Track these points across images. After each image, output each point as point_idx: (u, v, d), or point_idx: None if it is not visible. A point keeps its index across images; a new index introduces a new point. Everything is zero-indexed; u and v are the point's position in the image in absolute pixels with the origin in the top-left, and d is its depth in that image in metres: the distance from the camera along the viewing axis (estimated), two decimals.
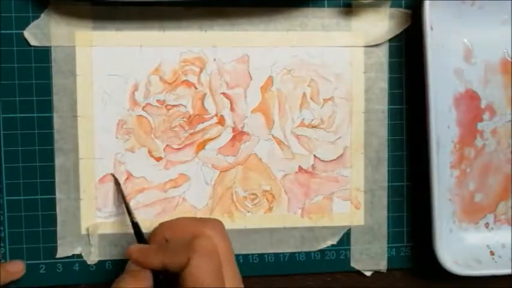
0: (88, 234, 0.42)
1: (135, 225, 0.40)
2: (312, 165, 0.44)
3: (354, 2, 0.43)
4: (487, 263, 0.44)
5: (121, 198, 0.42)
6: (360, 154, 0.45)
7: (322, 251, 0.45)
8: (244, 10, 0.43)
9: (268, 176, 0.44)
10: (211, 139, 0.43)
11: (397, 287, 0.46)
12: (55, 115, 0.42)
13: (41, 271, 0.42)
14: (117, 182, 0.42)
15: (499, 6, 0.44)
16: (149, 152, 0.43)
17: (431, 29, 0.41)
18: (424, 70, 0.41)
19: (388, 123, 0.45)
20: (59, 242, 0.42)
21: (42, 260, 0.42)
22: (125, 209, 0.41)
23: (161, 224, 0.38)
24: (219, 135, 0.43)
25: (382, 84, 0.44)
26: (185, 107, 0.43)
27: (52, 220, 0.42)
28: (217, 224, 0.37)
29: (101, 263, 0.43)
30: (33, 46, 0.41)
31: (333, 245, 0.45)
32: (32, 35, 0.41)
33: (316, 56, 0.44)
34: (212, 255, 0.35)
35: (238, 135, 0.44)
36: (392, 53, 0.44)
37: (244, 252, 0.44)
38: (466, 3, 0.43)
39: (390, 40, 0.44)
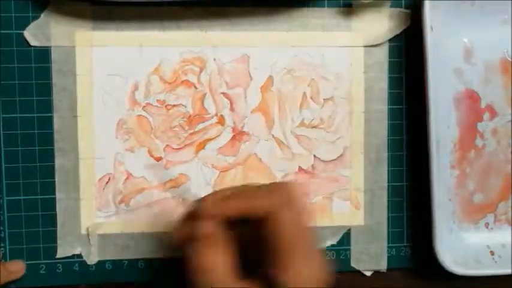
0: (88, 234, 0.42)
1: None
2: (312, 165, 0.44)
3: (354, 2, 0.43)
4: (487, 263, 0.44)
5: None
6: (360, 154, 0.45)
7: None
8: (244, 10, 0.43)
9: (268, 176, 0.44)
10: (211, 139, 0.43)
11: (397, 287, 0.46)
12: (55, 115, 0.42)
13: (41, 271, 0.42)
14: None
15: (499, 6, 0.44)
16: (149, 151, 0.43)
17: (431, 29, 0.41)
18: (424, 70, 0.41)
19: (388, 123, 0.45)
20: (59, 242, 0.42)
21: (42, 260, 0.42)
22: None
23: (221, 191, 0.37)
24: (219, 135, 0.43)
25: (382, 84, 0.44)
26: (185, 106, 0.43)
27: (52, 220, 0.42)
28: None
29: (100, 263, 0.43)
30: (33, 46, 0.41)
31: (333, 245, 0.45)
32: (32, 35, 0.41)
33: (316, 56, 0.44)
34: (298, 205, 0.33)
35: (238, 135, 0.44)
36: (392, 53, 0.44)
37: None
38: (466, 3, 0.43)
39: (390, 40, 0.44)
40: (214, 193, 0.37)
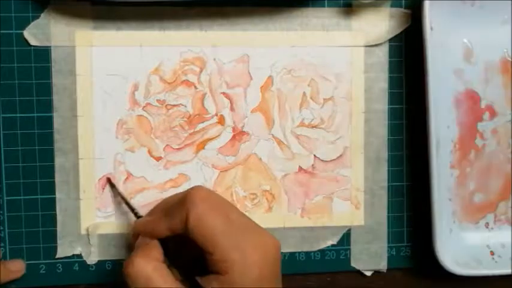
0: (88, 234, 0.42)
1: None
2: (312, 165, 0.44)
3: (354, 2, 0.43)
4: (487, 263, 0.44)
5: (120, 199, 0.42)
6: (360, 154, 0.45)
7: (322, 251, 0.45)
8: (244, 10, 0.43)
9: (268, 176, 0.44)
10: (211, 139, 0.43)
11: (397, 287, 0.46)
12: (55, 115, 0.42)
13: (41, 271, 0.42)
14: (112, 185, 0.42)
15: (499, 6, 0.44)
16: (149, 151, 0.43)
17: (431, 29, 0.41)
18: (424, 70, 0.41)
19: (388, 123, 0.45)
20: (58, 242, 0.42)
21: (42, 260, 0.42)
22: (128, 208, 0.41)
23: (154, 207, 0.39)
24: (219, 135, 0.43)
25: (382, 84, 0.44)
26: (185, 106, 0.43)
27: (52, 220, 0.42)
28: (200, 186, 0.37)
29: (100, 263, 0.43)
30: (33, 46, 0.41)
31: (333, 245, 0.45)
32: (32, 35, 0.41)
33: (316, 56, 0.44)
34: (209, 199, 0.34)
35: (238, 135, 0.44)
36: (392, 53, 0.44)
37: None
38: (466, 3, 0.43)
39: (390, 40, 0.44)
40: (148, 214, 0.39)
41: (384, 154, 0.45)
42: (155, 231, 0.35)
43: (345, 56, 0.44)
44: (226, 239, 0.33)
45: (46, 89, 0.42)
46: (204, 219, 0.33)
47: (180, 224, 0.34)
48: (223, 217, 0.34)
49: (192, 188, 0.35)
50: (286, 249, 0.44)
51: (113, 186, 0.42)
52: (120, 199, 0.42)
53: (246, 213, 0.43)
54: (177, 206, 0.35)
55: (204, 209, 0.34)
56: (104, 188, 0.42)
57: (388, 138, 0.45)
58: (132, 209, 0.40)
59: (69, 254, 0.43)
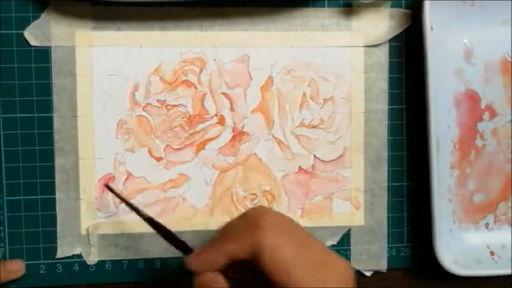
0: (88, 235, 0.42)
1: (150, 221, 0.38)
2: (312, 165, 0.44)
3: (354, 2, 0.43)
4: (487, 263, 0.44)
5: (123, 202, 0.40)
6: (360, 154, 0.45)
7: None
8: (244, 10, 0.43)
9: (268, 176, 0.44)
10: (211, 139, 0.43)
11: (397, 287, 0.46)
12: (55, 115, 0.42)
13: (41, 271, 0.42)
14: (112, 190, 0.41)
15: (499, 6, 0.44)
16: (149, 152, 0.43)
17: (431, 29, 0.41)
18: (424, 70, 0.41)
19: (388, 123, 0.45)
20: (58, 242, 0.42)
21: (42, 260, 0.42)
22: (133, 210, 0.39)
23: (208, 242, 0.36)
24: (219, 135, 0.43)
25: (382, 84, 0.44)
26: (185, 107, 0.43)
27: (52, 220, 0.42)
28: (265, 208, 0.34)
29: (100, 263, 0.43)
30: (33, 46, 0.41)
31: (333, 245, 0.45)
32: (32, 35, 0.41)
33: (316, 56, 0.44)
34: (280, 224, 0.31)
35: (238, 135, 0.44)
36: (392, 53, 0.44)
37: None
38: (466, 3, 0.43)
39: (390, 40, 0.44)
40: (201, 248, 0.35)
41: (384, 154, 0.45)
42: (212, 260, 0.32)
43: (345, 56, 0.44)
44: (304, 271, 0.30)
45: (46, 89, 0.42)
46: (279, 249, 0.30)
47: (248, 251, 0.30)
48: (299, 246, 0.31)
49: (256, 211, 0.32)
50: None
51: (112, 191, 0.40)
52: (124, 203, 0.40)
53: None
54: (242, 230, 0.31)
55: (279, 238, 0.30)
56: (103, 190, 0.42)
57: (388, 138, 0.45)
58: (138, 211, 0.38)
59: (69, 254, 0.43)
